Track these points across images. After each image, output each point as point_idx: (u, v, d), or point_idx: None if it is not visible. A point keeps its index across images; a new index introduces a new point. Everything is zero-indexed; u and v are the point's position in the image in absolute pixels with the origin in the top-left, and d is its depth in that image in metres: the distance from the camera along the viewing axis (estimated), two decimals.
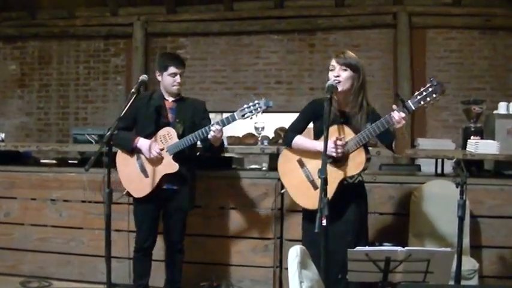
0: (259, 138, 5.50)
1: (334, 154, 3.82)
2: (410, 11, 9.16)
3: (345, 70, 3.92)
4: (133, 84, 4.36)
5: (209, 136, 4.30)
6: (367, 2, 9.44)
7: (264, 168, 5.76)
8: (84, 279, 5.51)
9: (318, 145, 3.87)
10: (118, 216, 4.75)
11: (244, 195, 5.21)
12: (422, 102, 3.61)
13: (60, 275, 5.58)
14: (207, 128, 4.32)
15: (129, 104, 4.08)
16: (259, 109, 4.27)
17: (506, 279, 4.77)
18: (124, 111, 4.07)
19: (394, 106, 3.68)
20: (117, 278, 4.95)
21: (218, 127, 4.26)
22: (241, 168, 6.04)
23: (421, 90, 3.62)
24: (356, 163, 3.91)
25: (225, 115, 4.37)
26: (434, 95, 3.58)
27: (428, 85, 3.61)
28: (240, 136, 5.73)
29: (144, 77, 4.38)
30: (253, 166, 6.75)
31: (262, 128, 5.40)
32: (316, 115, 4.06)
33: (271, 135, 5.63)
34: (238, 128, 5.46)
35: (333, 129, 3.84)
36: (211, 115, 4.73)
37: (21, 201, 5.71)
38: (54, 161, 6.48)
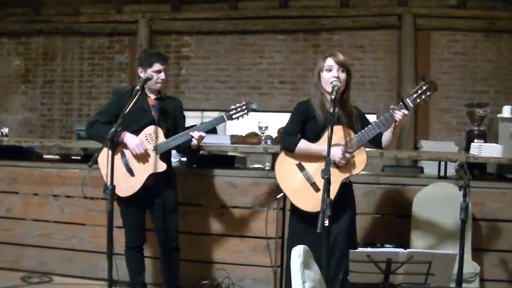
0: (263, 138, 5.50)
1: (339, 162, 3.84)
2: (414, 12, 9.16)
3: (343, 71, 3.95)
4: (137, 82, 4.35)
5: (193, 140, 4.34)
6: (371, 3, 9.43)
7: (266, 168, 5.76)
8: (85, 276, 5.51)
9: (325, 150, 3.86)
10: (118, 212, 4.74)
11: (246, 195, 5.21)
12: (418, 100, 3.74)
13: (61, 271, 5.58)
14: (191, 130, 4.35)
15: (133, 102, 4.08)
16: (246, 110, 4.32)
17: (507, 283, 4.77)
18: (128, 109, 4.06)
19: (392, 106, 3.79)
20: (117, 274, 4.96)
21: (203, 134, 4.34)
22: (243, 167, 6.04)
23: (416, 88, 3.75)
24: (359, 162, 3.92)
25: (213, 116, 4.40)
26: (428, 93, 3.72)
27: (422, 83, 3.75)
28: (243, 135, 5.73)
29: (148, 74, 4.37)
30: (255, 165, 6.75)
31: (266, 128, 5.41)
32: (306, 117, 4.08)
33: (274, 134, 5.63)
34: (242, 127, 5.47)
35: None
36: (214, 114, 4.73)
37: (23, 197, 5.72)
38: (57, 157, 6.49)
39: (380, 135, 3.98)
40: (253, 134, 5.63)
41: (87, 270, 5.53)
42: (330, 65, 3.94)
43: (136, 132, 4.47)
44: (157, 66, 4.49)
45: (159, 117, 4.54)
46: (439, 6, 9.21)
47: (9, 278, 5.44)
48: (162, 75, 4.52)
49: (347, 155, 3.86)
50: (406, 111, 3.72)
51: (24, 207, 5.70)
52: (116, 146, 4.36)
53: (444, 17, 9.16)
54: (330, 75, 3.93)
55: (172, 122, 4.57)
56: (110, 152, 3.92)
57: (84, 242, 5.56)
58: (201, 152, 4.96)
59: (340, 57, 3.97)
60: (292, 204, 4.09)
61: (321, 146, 3.92)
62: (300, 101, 4.21)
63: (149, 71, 4.49)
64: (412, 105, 3.74)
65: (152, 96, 4.60)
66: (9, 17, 10.75)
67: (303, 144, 4.00)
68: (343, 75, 3.94)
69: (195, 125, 4.45)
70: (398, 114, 3.73)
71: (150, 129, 4.46)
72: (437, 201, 4.60)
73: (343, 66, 3.95)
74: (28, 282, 5.39)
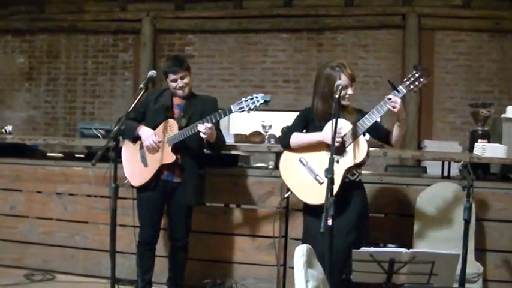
0: (266, 137, 5.50)
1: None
2: (419, 12, 9.14)
3: (352, 86, 4.03)
4: (141, 80, 4.39)
5: (201, 134, 4.33)
6: (375, 3, 9.42)
7: (270, 167, 5.76)
8: (88, 274, 5.51)
9: (317, 135, 3.97)
10: (123, 211, 4.76)
11: (249, 193, 5.20)
12: (412, 86, 3.86)
13: (64, 269, 5.59)
14: (200, 122, 4.35)
15: (137, 100, 4.10)
16: (256, 103, 4.29)
17: (510, 284, 4.75)
18: (132, 106, 4.09)
19: (386, 96, 3.87)
20: (121, 273, 4.97)
21: (208, 125, 4.30)
22: (247, 166, 6.04)
23: (409, 76, 3.87)
24: (359, 150, 3.94)
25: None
26: (421, 79, 3.84)
27: (414, 71, 3.87)
28: (247, 134, 5.73)
29: (152, 72, 4.38)
30: (259, 164, 6.75)
31: (270, 127, 5.41)
32: (307, 122, 4.16)
33: (278, 133, 5.63)
34: (245, 126, 5.47)
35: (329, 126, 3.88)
36: None
37: (26, 194, 5.73)
38: (60, 155, 6.50)
39: (387, 132, 4.04)
40: (256, 133, 5.63)
41: (90, 268, 5.54)
42: (346, 84, 3.97)
43: (154, 128, 4.56)
44: (171, 76, 4.56)
45: (181, 114, 4.59)
46: (444, 6, 9.19)
47: (12, 275, 5.45)
48: (179, 83, 4.56)
49: (339, 130, 3.85)
50: (397, 96, 3.81)
51: (28, 204, 5.71)
52: (134, 139, 4.62)
53: (449, 17, 9.14)
54: (345, 92, 3.98)
55: (199, 119, 4.46)
56: (123, 148, 4.00)
57: (87, 240, 5.56)
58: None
59: (350, 70, 4.02)
60: (304, 204, 4.12)
61: (313, 133, 4.04)
62: (307, 107, 4.27)
63: (168, 80, 4.61)
64: (405, 91, 3.83)
65: (179, 97, 4.65)
66: (13, 15, 10.76)
67: (296, 137, 4.10)
68: (353, 88, 4.04)
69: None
70: (391, 97, 3.81)
71: (167, 122, 4.53)
72: (440, 201, 4.59)
73: (354, 80, 4.04)
74: (31, 279, 5.40)
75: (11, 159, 5.83)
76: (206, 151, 4.74)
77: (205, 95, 4.90)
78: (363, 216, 4.09)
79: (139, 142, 4.62)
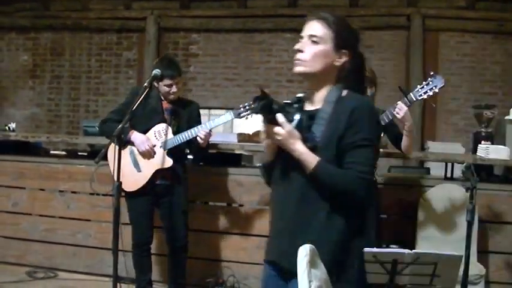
0: None
1: None
2: (424, 13, 9.12)
3: (371, 88, 4.12)
4: (144, 79, 4.36)
5: (198, 139, 4.36)
6: (380, 3, 9.41)
7: None
8: (90, 272, 5.53)
9: None
10: (125, 209, 4.75)
11: (252, 193, 5.20)
12: (424, 95, 3.89)
13: (67, 267, 5.61)
14: (198, 127, 4.38)
15: (141, 98, 4.08)
16: (255, 109, 4.30)
17: None
18: (135, 106, 4.07)
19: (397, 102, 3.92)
20: (123, 271, 4.96)
21: (207, 131, 4.34)
22: (250, 165, 6.04)
23: (423, 83, 3.89)
24: None
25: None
26: (435, 87, 3.87)
27: (429, 79, 3.89)
28: (250, 133, 5.73)
29: (156, 71, 4.36)
30: None
31: None
32: None
33: None
34: (249, 125, 5.46)
35: None
36: (221, 112, 4.72)
37: (29, 192, 5.74)
38: (63, 153, 6.50)
39: (400, 138, 4.07)
40: (260, 133, 5.62)
41: (93, 266, 5.55)
42: None
43: (145, 132, 4.54)
44: (166, 81, 4.51)
45: (171, 119, 4.58)
46: (448, 7, 9.17)
47: (14, 272, 5.46)
48: (173, 89, 4.54)
49: None
50: (403, 105, 3.86)
51: (31, 202, 5.72)
52: (125, 144, 4.48)
53: (453, 18, 9.13)
54: None
55: (186, 125, 4.55)
56: (117, 149, 3.96)
57: (89, 237, 5.57)
58: (209, 150, 4.97)
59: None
60: None
61: None
62: None
63: (160, 84, 4.54)
64: (414, 99, 3.87)
65: (167, 100, 4.63)
66: (17, 12, 10.76)
67: None
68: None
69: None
70: (396, 105, 3.88)
71: (159, 126, 4.52)
72: (443, 203, 4.59)
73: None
74: (33, 277, 5.41)
75: (14, 157, 5.84)
76: (191, 153, 4.75)
77: (188, 100, 4.88)
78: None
79: (129, 147, 4.58)
